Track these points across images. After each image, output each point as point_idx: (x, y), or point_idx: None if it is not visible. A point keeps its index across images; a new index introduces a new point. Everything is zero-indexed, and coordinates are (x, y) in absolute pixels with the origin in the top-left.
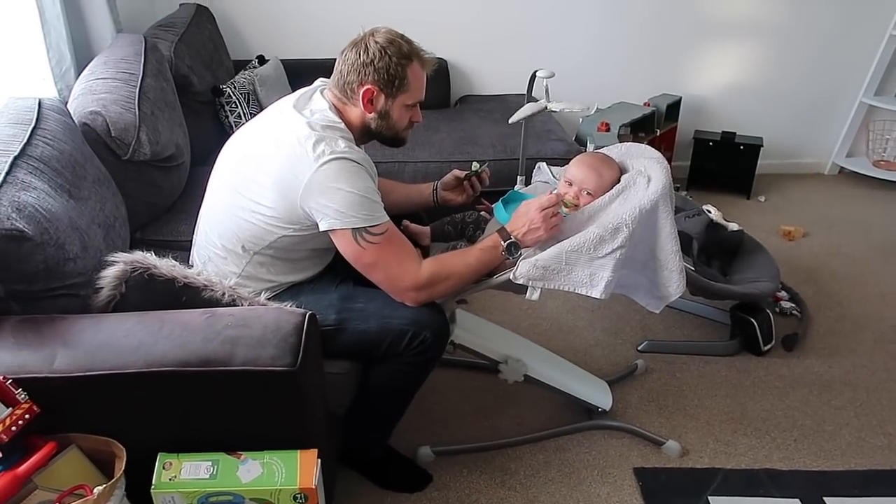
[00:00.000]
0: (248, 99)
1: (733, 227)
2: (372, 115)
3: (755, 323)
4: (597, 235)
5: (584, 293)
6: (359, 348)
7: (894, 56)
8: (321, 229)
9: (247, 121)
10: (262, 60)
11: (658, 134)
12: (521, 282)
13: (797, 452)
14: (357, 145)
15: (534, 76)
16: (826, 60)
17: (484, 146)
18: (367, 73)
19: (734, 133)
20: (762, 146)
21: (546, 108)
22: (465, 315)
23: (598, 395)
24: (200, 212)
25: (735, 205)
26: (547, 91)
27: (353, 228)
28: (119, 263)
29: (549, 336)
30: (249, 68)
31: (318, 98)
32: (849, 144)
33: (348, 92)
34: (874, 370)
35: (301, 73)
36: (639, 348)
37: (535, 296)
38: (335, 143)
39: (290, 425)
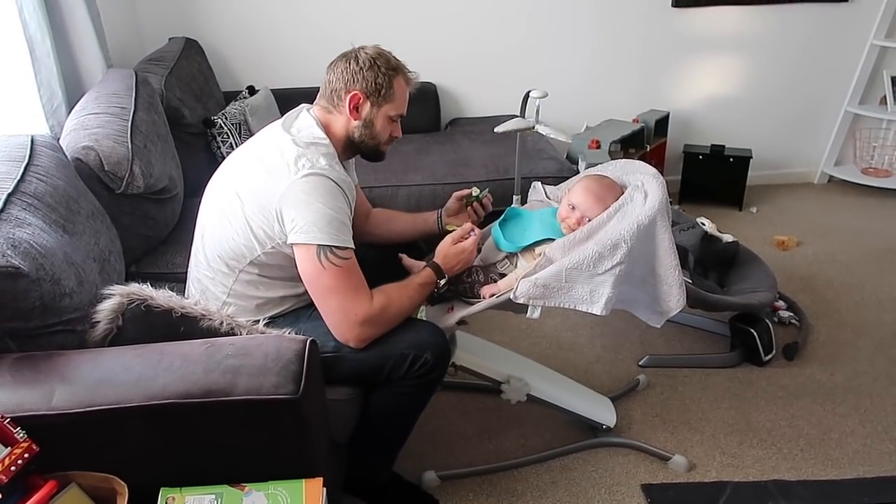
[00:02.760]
0: (240, 129)
1: (728, 238)
2: (357, 122)
3: (755, 333)
4: (596, 252)
5: (584, 310)
6: (360, 374)
7: (876, 65)
8: (288, 241)
9: None
10: (252, 91)
11: (648, 149)
12: (521, 301)
13: (804, 462)
14: (341, 160)
15: (527, 96)
16: (810, 71)
17: (476, 167)
18: (355, 80)
19: (723, 146)
20: (752, 158)
21: (533, 127)
22: (465, 336)
23: (602, 412)
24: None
25: (727, 217)
26: (537, 111)
27: (319, 245)
28: (115, 296)
29: (549, 354)
30: (240, 99)
31: (304, 116)
32: (836, 153)
33: (335, 100)
34: (876, 376)
35: (291, 101)
36: (640, 363)
37: (536, 314)
38: (316, 160)
39: (293, 454)
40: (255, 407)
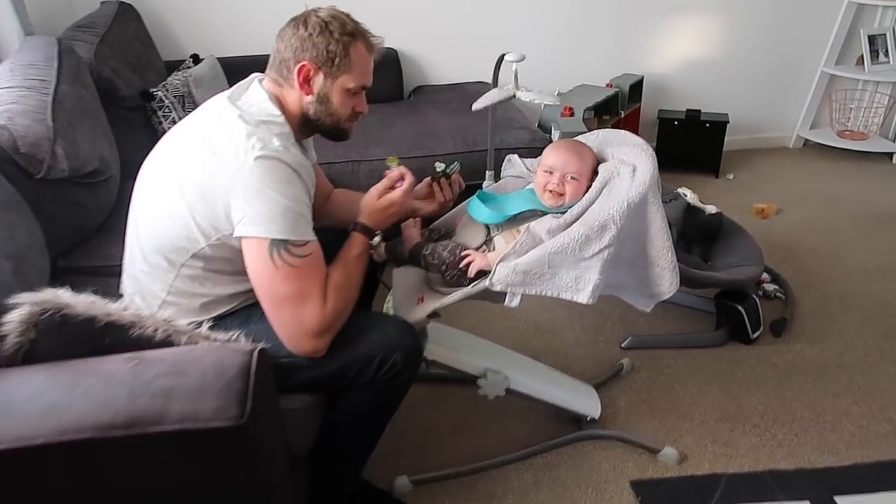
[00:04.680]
0: (183, 102)
1: (711, 209)
2: (310, 98)
3: (742, 310)
4: (582, 235)
5: (569, 298)
6: (321, 381)
7: (853, 24)
8: (235, 234)
9: None
10: (196, 59)
11: (622, 116)
12: (498, 288)
13: (800, 448)
14: (299, 140)
15: (501, 60)
16: (785, 31)
17: (443, 139)
18: (304, 48)
19: (699, 111)
20: (728, 123)
21: (514, 95)
22: (437, 326)
23: (586, 402)
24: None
25: (705, 184)
26: (516, 77)
27: (273, 240)
28: (24, 305)
29: (526, 338)
30: (183, 69)
31: (256, 88)
32: (812, 116)
33: (284, 71)
34: (867, 351)
35: (240, 71)
36: (623, 345)
37: (515, 302)
38: (268, 140)
39: (244, 483)
40: (191, 437)
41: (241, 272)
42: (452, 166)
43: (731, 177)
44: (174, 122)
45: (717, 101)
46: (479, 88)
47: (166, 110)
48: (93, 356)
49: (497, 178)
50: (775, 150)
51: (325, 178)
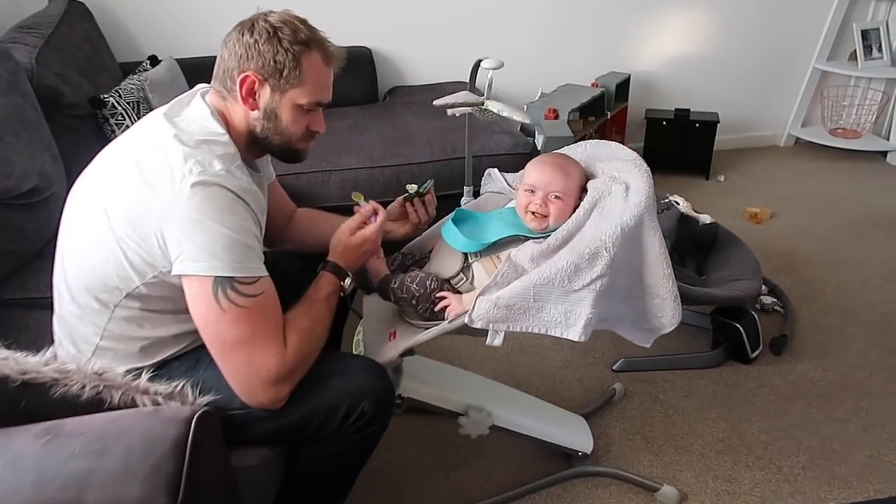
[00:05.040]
0: (138, 108)
1: (705, 219)
2: (256, 113)
3: (741, 329)
4: (571, 264)
5: (558, 335)
6: (280, 433)
7: (845, 19)
8: (173, 272)
9: None
10: (154, 61)
11: (609, 116)
12: (479, 325)
13: (808, 483)
14: (247, 160)
15: (477, 66)
16: (776, 26)
17: (419, 146)
18: (248, 56)
19: (688, 110)
20: (719, 122)
21: (482, 104)
22: (412, 358)
23: (577, 436)
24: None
25: (695, 187)
26: (490, 85)
27: (216, 277)
28: None
29: (510, 361)
30: (139, 71)
31: (198, 103)
32: (803, 114)
33: (228, 82)
34: (872, 370)
35: (202, 74)
36: (614, 368)
37: (498, 341)
38: (209, 164)
39: None
40: None
41: (185, 310)
42: (426, 185)
43: (721, 178)
44: None
45: (706, 99)
46: (458, 89)
47: (119, 118)
48: (2, 426)
49: (476, 193)
50: (766, 150)
51: (286, 197)
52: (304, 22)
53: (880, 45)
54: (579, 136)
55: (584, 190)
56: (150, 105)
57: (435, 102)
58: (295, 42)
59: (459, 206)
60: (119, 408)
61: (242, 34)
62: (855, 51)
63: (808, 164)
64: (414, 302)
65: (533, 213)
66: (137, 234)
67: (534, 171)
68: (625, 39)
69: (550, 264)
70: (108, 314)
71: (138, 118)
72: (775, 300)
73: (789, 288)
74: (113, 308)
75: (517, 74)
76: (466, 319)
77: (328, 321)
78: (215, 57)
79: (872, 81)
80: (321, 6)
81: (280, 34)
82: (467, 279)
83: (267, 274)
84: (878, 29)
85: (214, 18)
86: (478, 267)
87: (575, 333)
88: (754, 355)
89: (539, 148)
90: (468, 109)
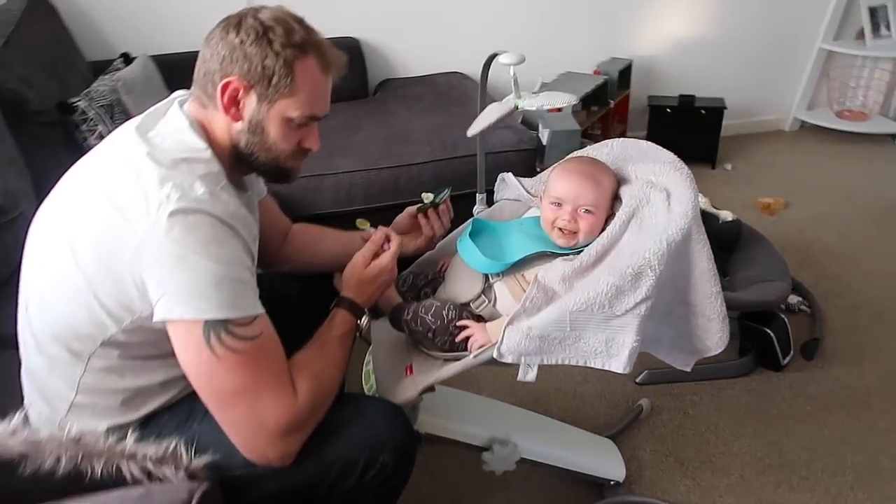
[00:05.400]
0: (112, 112)
1: (726, 216)
2: (239, 125)
3: (772, 334)
4: (611, 286)
5: (598, 366)
6: (289, 493)
7: None
8: (155, 318)
9: None
10: (127, 59)
11: (612, 105)
12: (510, 360)
13: None
14: (234, 179)
15: (490, 62)
16: (780, 6)
17: (417, 143)
18: (233, 59)
19: (693, 96)
20: (725, 108)
21: (516, 107)
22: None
23: (608, 463)
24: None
25: (701, 176)
26: (515, 83)
27: (207, 321)
28: None
29: None
30: (111, 71)
31: (174, 113)
32: (809, 96)
33: (209, 88)
34: None
35: (180, 72)
36: (637, 380)
37: (531, 375)
38: (189, 187)
39: None
40: None
41: (173, 353)
42: (442, 194)
43: (728, 167)
44: (101, 137)
45: (710, 83)
46: (452, 80)
47: (91, 124)
48: None
49: (489, 200)
50: (771, 135)
51: (280, 213)
52: (300, 21)
53: (888, 23)
54: (584, 128)
55: (616, 197)
56: (125, 108)
57: (469, 134)
58: (288, 45)
59: (472, 215)
60: (102, 480)
61: (227, 32)
62: (862, 29)
63: (816, 149)
64: (431, 335)
65: (561, 229)
66: (110, 274)
67: (560, 183)
68: (625, 23)
69: (587, 287)
70: (83, 366)
71: (113, 123)
72: (801, 299)
73: (812, 284)
74: (87, 358)
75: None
76: (495, 353)
77: (343, 363)
78: (196, 54)
79: (880, 61)
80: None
81: (271, 35)
82: (489, 302)
83: (264, 310)
84: (885, 6)
85: (194, 11)
86: (500, 288)
87: (619, 364)
88: (786, 362)
89: (544, 143)
90: (504, 117)
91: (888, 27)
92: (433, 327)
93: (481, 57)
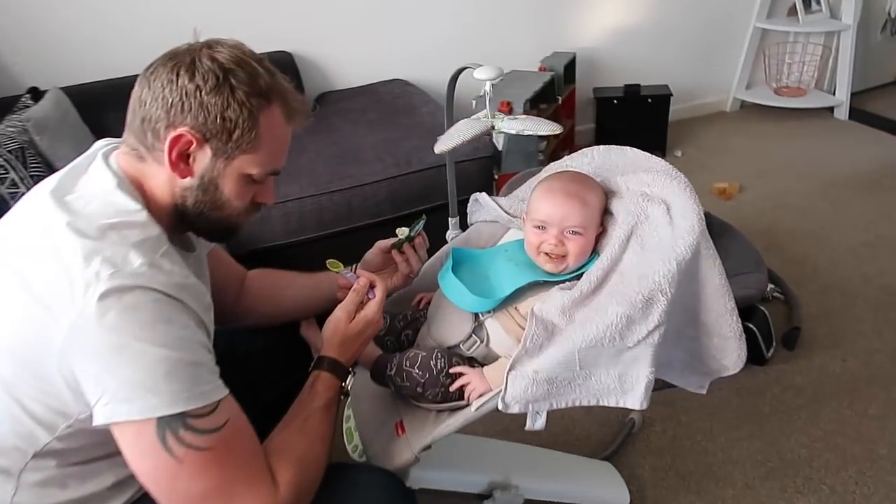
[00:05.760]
0: (23, 157)
1: None
2: (188, 181)
3: (754, 328)
4: (621, 317)
5: (613, 404)
6: None
7: None
8: (95, 423)
9: (28, 189)
10: (36, 94)
11: (560, 102)
12: (516, 410)
13: (867, 501)
14: (176, 240)
15: (458, 75)
16: None
17: (369, 162)
18: (185, 107)
19: (638, 85)
20: (672, 95)
21: (493, 127)
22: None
23: (610, 489)
24: None
25: None
26: (488, 100)
27: (160, 419)
28: None
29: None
30: (18, 110)
31: (99, 170)
32: (747, 75)
33: (149, 137)
34: (892, 355)
35: (98, 102)
36: None
37: (540, 423)
38: (123, 259)
39: None
40: None
41: (115, 458)
42: (417, 227)
43: (679, 154)
44: (15, 186)
45: (653, 71)
46: (395, 89)
47: (1, 171)
48: None
49: (462, 224)
50: (714, 117)
51: (233, 263)
52: (261, 61)
53: None
54: None
55: (606, 212)
56: (39, 150)
57: (437, 150)
58: (253, 93)
59: (446, 240)
60: None
61: (177, 74)
62: (794, 5)
63: (760, 128)
64: (420, 389)
65: (547, 254)
66: (34, 377)
67: (543, 204)
68: (564, 16)
69: (593, 319)
70: (14, 484)
71: (25, 168)
72: (773, 286)
73: (780, 268)
74: (18, 474)
75: (455, 65)
76: (500, 405)
77: (329, 437)
78: (113, 82)
79: (812, 35)
80: (234, 11)
81: (233, 80)
82: (481, 341)
83: (227, 391)
84: None
85: (107, 36)
86: (493, 325)
87: (635, 400)
88: (769, 355)
89: (500, 149)
90: (478, 136)
91: (819, 2)
92: (422, 381)
93: (422, 61)
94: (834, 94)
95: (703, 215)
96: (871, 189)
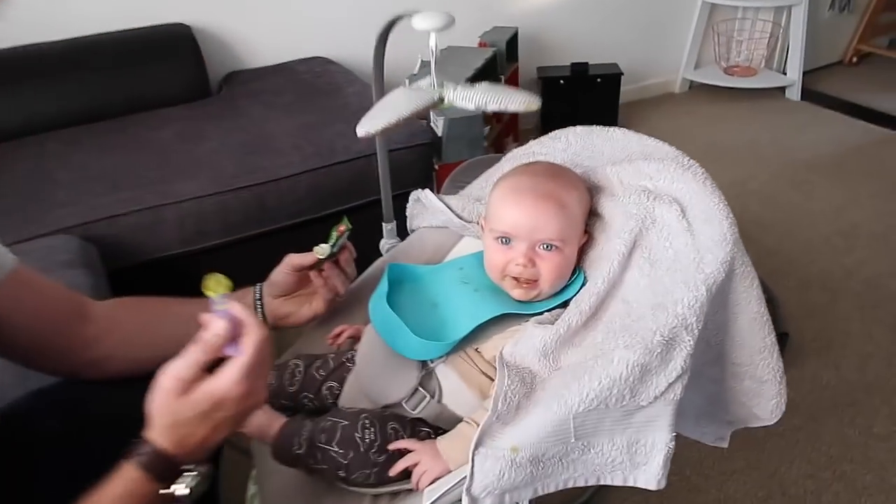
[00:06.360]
0: None
1: None
2: None
3: None
4: (634, 366)
5: (620, 482)
6: None
7: None
8: None
9: None
10: None
11: (503, 81)
12: (488, 502)
13: None
14: None
15: (389, 28)
16: None
17: (284, 151)
18: None
19: (586, 63)
20: (622, 75)
21: (443, 100)
22: None
23: None
24: None
25: None
26: (433, 60)
27: None
28: None
29: None
30: None
31: None
32: (696, 54)
33: None
34: (888, 359)
35: None
36: None
37: None
38: None
39: None
40: None
41: None
42: (341, 239)
43: None
44: None
45: (600, 49)
46: (315, 67)
47: None
48: None
49: (401, 230)
50: (662, 98)
51: (60, 289)
52: None
53: None
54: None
55: (592, 214)
56: None
57: (361, 131)
58: None
59: (378, 250)
60: None
61: None
62: None
63: (711, 110)
64: (343, 473)
65: (515, 278)
66: None
67: (507, 209)
68: None
69: (594, 370)
70: None
71: None
72: None
73: (755, 263)
74: None
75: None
76: (464, 498)
77: None
78: None
79: (761, 11)
80: None
81: None
82: (431, 396)
83: None
84: None
85: None
86: (446, 373)
87: (650, 477)
88: None
89: (440, 134)
90: (421, 109)
91: None
92: (344, 463)
93: (347, 36)
94: (785, 73)
95: (733, 219)
96: (835, 173)
